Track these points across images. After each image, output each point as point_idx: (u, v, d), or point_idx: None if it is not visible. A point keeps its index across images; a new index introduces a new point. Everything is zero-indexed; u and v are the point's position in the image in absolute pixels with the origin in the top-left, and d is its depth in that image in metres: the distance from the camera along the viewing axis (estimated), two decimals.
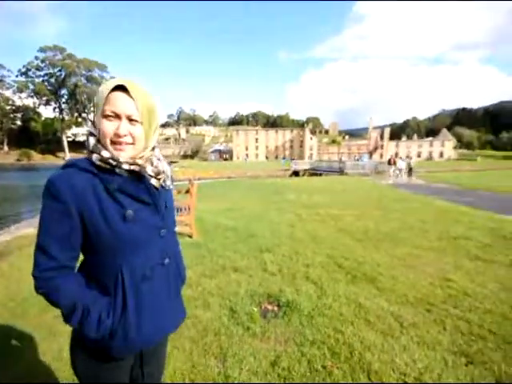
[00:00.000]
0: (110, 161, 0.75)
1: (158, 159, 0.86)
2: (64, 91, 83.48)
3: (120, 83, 0.74)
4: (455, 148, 71.73)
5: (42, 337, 2.08)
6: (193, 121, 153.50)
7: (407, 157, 29.47)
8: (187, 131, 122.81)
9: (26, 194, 19.28)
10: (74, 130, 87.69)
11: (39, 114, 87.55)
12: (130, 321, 0.77)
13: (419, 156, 69.88)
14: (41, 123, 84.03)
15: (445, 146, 70.68)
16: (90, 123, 0.80)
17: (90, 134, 0.79)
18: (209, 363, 1.75)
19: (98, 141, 0.77)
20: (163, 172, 0.85)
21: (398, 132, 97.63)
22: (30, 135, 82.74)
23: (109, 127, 0.75)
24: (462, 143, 78.82)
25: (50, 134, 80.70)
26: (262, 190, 11.35)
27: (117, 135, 0.76)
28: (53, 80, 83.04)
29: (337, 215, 6.03)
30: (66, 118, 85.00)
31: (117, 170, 0.77)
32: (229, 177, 25.60)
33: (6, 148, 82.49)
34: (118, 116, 0.75)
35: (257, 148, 76.45)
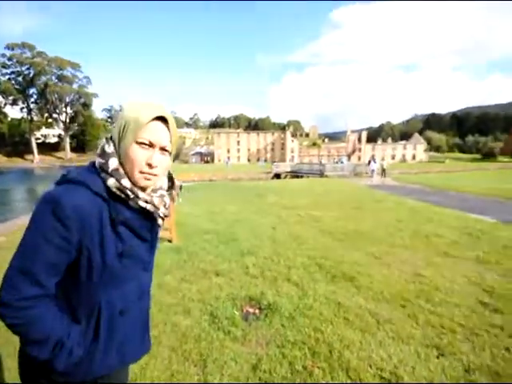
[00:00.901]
0: (128, 192, 0.70)
1: (164, 194, 0.81)
2: (33, 90, 78.88)
3: (162, 115, 0.71)
4: (426, 151, 76.07)
5: (7, 353, 1.93)
6: None
7: (382, 159, 31.29)
8: None
9: None
10: (44, 131, 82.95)
11: (5, 115, 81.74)
12: (99, 352, 0.73)
13: (393, 158, 73.33)
14: (7, 124, 78.52)
15: (417, 149, 74.77)
16: (109, 142, 0.72)
17: (110, 154, 0.71)
18: (188, 371, 1.71)
19: (121, 164, 0.71)
20: (167, 208, 0.81)
21: (374, 135, 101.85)
22: None
23: (142, 155, 0.70)
24: (432, 146, 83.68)
25: (16, 135, 75.73)
26: (244, 192, 11.35)
27: (149, 165, 0.70)
28: (20, 79, 78.20)
29: (317, 216, 6.15)
30: (35, 118, 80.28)
31: (130, 203, 0.71)
32: (210, 179, 25.37)
33: None
34: (151, 145, 0.71)
35: (238, 151, 76.47)
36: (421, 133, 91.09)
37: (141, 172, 0.70)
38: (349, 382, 1.61)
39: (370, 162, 20.70)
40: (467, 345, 1.90)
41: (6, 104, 79.82)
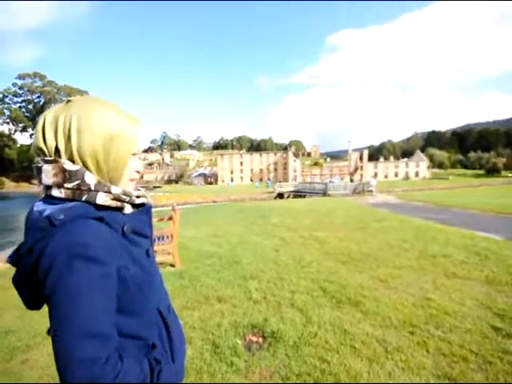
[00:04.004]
0: (123, 197, 0.65)
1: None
2: None
3: (139, 120, 0.70)
4: (429, 168, 76.21)
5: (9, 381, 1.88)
6: (177, 145, 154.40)
7: (375, 176, 33.42)
8: (171, 156, 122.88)
9: None
10: None
11: (14, 141, 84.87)
12: (177, 359, 0.72)
13: (396, 176, 73.46)
14: (16, 150, 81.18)
15: (419, 167, 74.99)
16: (61, 161, 0.60)
17: (79, 171, 0.60)
18: None
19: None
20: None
21: (376, 154, 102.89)
22: (4, 162, 79.44)
23: (133, 164, 0.68)
24: (434, 163, 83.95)
25: (25, 160, 77.84)
26: (247, 213, 11.35)
27: (137, 172, 0.70)
28: (31, 106, 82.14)
29: (321, 237, 6.09)
30: None
31: (125, 208, 0.67)
32: (213, 201, 25.48)
33: None
34: (137, 152, 0.70)
35: (241, 171, 77.43)
36: (422, 150, 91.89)
37: (131, 180, 0.70)
38: None
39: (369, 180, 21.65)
40: (480, 374, 1.81)
41: (15, 131, 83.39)
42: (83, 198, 0.60)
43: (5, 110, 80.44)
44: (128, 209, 0.67)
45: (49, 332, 0.58)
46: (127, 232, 0.64)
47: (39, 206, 0.61)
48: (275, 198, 28.66)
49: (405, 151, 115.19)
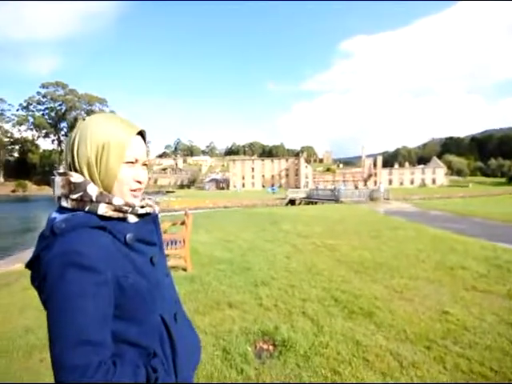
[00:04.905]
0: (125, 208, 0.66)
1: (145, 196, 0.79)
2: (64, 124, 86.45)
3: (139, 129, 0.71)
4: (447, 175, 73.73)
5: (27, 380, 1.96)
6: (190, 151, 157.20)
7: (380, 183, 34.75)
8: (184, 161, 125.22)
9: (16, 227, 18.95)
10: None
11: (37, 146, 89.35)
12: (180, 365, 0.71)
13: (412, 183, 71.49)
14: (38, 155, 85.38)
15: (436, 174, 72.71)
16: (68, 173, 0.65)
17: (83, 183, 0.64)
18: None
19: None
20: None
21: (390, 160, 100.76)
22: (27, 167, 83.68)
23: (130, 173, 0.68)
24: (452, 170, 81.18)
25: (46, 165, 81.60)
26: (258, 219, 11.35)
27: (138, 182, 0.70)
28: (53, 114, 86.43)
29: (333, 245, 6.01)
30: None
31: (129, 218, 0.68)
32: (225, 206, 25.64)
33: (1, 179, 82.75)
34: (136, 161, 0.70)
35: (253, 177, 77.74)
36: (439, 156, 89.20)
37: (130, 190, 0.69)
38: None
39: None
40: None
41: (38, 137, 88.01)
42: (86, 209, 0.63)
43: (29, 117, 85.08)
44: (132, 218, 0.69)
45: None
46: (129, 241, 0.66)
47: (53, 214, 0.66)
48: (286, 204, 28.51)
49: (421, 157, 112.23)
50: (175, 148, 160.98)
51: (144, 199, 0.75)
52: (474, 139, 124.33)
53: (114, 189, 0.67)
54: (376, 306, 2.98)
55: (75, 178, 0.64)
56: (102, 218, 0.64)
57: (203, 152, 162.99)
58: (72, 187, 0.64)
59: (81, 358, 0.54)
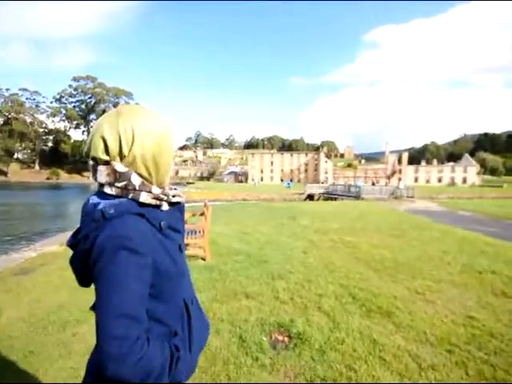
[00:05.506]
0: (162, 196, 0.73)
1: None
2: (93, 116, 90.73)
3: (172, 123, 0.77)
4: (479, 174, 69.00)
5: (59, 354, 2.14)
6: (210, 144, 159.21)
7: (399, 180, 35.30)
8: (204, 154, 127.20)
9: (52, 212, 20.40)
10: None
11: (69, 137, 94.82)
12: (193, 351, 0.76)
13: (440, 181, 67.76)
14: (70, 145, 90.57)
15: (467, 172, 68.27)
16: (113, 163, 0.70)
17: (127, 172, 0.70)
18: None
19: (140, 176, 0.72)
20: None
21: (417, 157, 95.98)
22: (60, 156, 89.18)
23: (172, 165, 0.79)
24: (485, 169, 75.79)
25: (77, 154, 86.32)
26: (276, 214, 11.35)
27: (174, 172, 0.82)
28: (83, 106, 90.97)
29: (352, 242, 5.89)
30: None
31: (163, 206, 0.74)
32: (243, 199, 25.83)
33: (37, 167, 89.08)
34: None
35: (272, 171, 77.44)
36: (472, 154, 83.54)
37: (169, 178, 0.78)
38: None
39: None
40: None
41: (70, 128, 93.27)
42: (129, 196, 0.69)
43: (62, 109, 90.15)
44: (165, 206, 0.74)
45: (92, 308, 0.70)
46: (164, 227, 0.72)
47: (94, 199, 0.71)
48: (305, 199, 28.20)
49: (451, 154, 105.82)
50: (196, 140, 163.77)
51: (175, 189, 0.81)
52: (511, 136, 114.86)
53: (149, 177, 0.72)
54: (395, 306, 2.91)
55: (120, 167, 0.69)
56: (141, 204, 0.70)
57: (223, 145, 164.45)
58: (117, 176, 0.69)
59: (121, 329, 0.60)
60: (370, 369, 1.95)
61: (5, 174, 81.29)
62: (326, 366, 1.98)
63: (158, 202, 0.72)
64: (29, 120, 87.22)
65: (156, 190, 0.72)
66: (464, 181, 66.48)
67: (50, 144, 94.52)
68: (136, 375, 0.60)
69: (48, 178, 79.79)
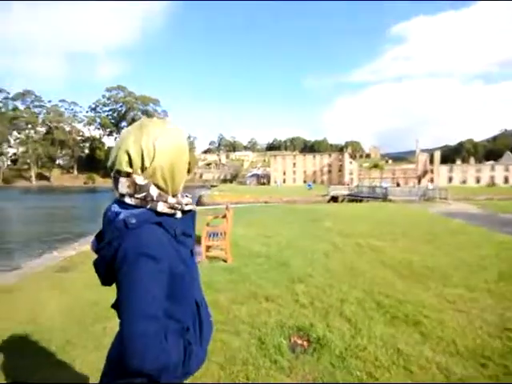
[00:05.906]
0: (176, 205, 0.79)
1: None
2: (124, 123, 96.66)
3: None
4: None
5: (94, 345, 2.32)
6: (232, 147, 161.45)
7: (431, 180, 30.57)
8: (227, 157, 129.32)
9: (89, 214, 22.02)
10: None
11: (103, 144, 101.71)
12: (202, 348, 0.84)
13: (478, 181, 62.76)
14: (104, 151, 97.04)
15: (509, 171, 62.53)
16: (133, 176, 0.76)
17: (146, 185, 0.76)
18: None
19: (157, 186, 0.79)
20: None
21: (452, 155, 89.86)
22: (95, 162, 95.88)
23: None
24: None
25: None
26: (298, 216, 11.23)
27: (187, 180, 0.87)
28: (115, 114, 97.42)
29: (377, 246, 5.67)
30: None
31: (176, 214, 0.80)
32: (265, 201, 25.83)
33: (75, 172, 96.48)
34: None
35: (294, 173, 76.53)
36: None
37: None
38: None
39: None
40: None
41: (104, 135, 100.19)
42: (148, 206, 0.76)
43: (96, 118, 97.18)
44: (179, 214, 0.81)
45: (113, 306, 0.82)
46: (178, 234, 0.79)
47: (115, 207, 0.78)
48: (328, 201, 27.56)
49: (490, 152, 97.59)
50: (218, 144, 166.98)
51: (186, 196, 0.87)
52: None
53: (164, 187, 0.79)
54: (423, 315, 2.76)
55: (139, 180, 0.76)
56: (158, 213, 0.77)
57: (245, 147, 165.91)
58: (137, 188, 0.75)
59: (143, 328, 0.67)
60: (393, 378, 1.88)
61: (48, 178, 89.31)
62: (346, 372, 1.94)
63: (173, 211, 0.79)
64: (67, 129, 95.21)
65: (171, 200, 0.78)
66: (506, 180, 60.87)
67: (86, 151, 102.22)
68: (156, 368, 0.68)
69: (85, 183, 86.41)
